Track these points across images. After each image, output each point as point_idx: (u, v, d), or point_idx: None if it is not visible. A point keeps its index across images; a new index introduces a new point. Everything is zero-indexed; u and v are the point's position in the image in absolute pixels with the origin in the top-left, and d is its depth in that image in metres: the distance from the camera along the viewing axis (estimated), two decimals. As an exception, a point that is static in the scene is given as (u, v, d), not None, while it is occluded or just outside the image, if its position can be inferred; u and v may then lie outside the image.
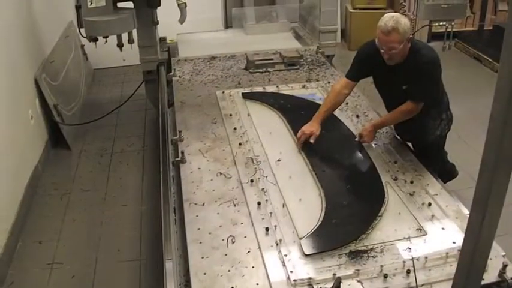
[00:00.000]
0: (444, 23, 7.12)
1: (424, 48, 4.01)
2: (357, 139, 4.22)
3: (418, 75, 3.90)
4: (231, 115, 4.83)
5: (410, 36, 3.86)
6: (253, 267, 2.99)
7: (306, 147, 4.20)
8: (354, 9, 9.83)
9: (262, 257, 3.06)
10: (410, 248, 3.10)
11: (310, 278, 2.88)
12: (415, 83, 3.93)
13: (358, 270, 2.93)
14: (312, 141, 4.17)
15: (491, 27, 9.94)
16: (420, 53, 3.93)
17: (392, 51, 3.85)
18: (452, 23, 7.16)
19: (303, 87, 5.45)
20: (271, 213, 3.41)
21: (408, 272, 2.90)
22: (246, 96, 5.25)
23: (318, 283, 2.86)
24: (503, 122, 1.68)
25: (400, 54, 3.89)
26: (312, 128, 4.22)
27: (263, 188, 3.69)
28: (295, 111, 4.80)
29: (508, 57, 1.61)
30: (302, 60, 6.18)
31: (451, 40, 6.94)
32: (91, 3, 5.53)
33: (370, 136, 4.17)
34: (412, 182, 3.73)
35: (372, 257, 3.04)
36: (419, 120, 4.04)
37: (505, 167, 1.79)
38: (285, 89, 5.39)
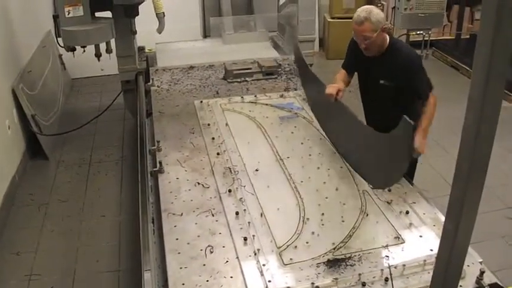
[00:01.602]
0: (421, 32, 7.18)
1: (405, 46, 4.17)
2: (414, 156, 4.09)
3: (411, 74, 3.98)
4: (209, 125, 4.83)
5: (385, 26, 3.97)
6: (231, 277, 2.98)
7: (284, 157, 4.23)
8: (332, 18, 9.91)
9: (240, 266, 3.05)
10: (388, 256, 3.11)
11: (288, 288, 2.89)
12: (412, 82, 4.00)
13: (336, 279, 2.93)
14: (338, 96, 4.14)
15: (468, 36, 10.04)
16: (402, 51, 4.06)
17: (367, 40, 3.97)
18: (430, 32, 7.23)
19: (281, 96, 5.47)
20: (249, 222, 3.41)
21: (386, 280, 2.92)
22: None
23: (296, 292, 2.87)
24: (476, 131, 1.70)
25: (376, 44, 4.02)
26: (338, 85, 4.23)
27: (241, 198, 3.69)
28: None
29: (480, 66, 1.63)
30: (280, 69, 6.19)
31: (429, 49, 7.01)
32: (69, 13, 5.53)
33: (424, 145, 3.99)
34: (389, 191, 3.74)
35: (350, 265, 3.05)
36: (394, 120, 4.06)
37: (478, 176, 1.81)
38: (263, 99, 5.40)
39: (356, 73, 4.48)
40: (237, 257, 3.12)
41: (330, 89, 4.15)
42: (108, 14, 6.01)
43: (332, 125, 4.51)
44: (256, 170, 4.07)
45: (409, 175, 4.19)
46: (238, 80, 6.01)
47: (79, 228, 5.14)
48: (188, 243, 3.26)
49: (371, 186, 3.79)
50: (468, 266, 2.95)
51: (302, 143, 4.47)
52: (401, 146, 3.33)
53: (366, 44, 4.00)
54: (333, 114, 4.39)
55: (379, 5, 8.69)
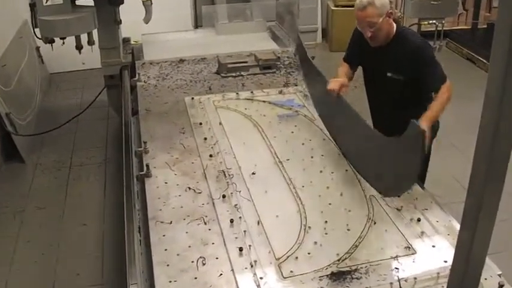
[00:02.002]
0: (434, 21, 7.16)
1: (413, 35, 4.21)
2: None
3: (420, 65, 3.99)
4: (201, 124, 4.83)
5: (391, 11, 3.98)
6: (225, 291, 2.99)
7: (284, 159, 4.22)
8: (336, 6, 9.90)
9: (235, 280, 3.04)
10: (398, 268, 3.10)
11: (288, 303, 2.88)
12: (422, 74, 4.01)
13: (341, 293, 2.94)
14: (342, 92, 4.16)
15: (485, 26, 10.05)
16: (411, 40, 4.09)
17: (373, 28, 3.99)
18: (443, 21, 7.21)
19: (280, 92, 5.46)
20: (245, 231, 3.40)
21: (396, 294, 2.92)
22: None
23: (296, 308, 2.87)
24: (494, 129, 1.70)
25: (383, 31, 4.05)
26: (341, 80, 4.25)
27: (236, 204, 3.68)
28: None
29: (498, 58, 1.62)
30: (279, 63, 6.18)
31: (442, 40, 6.98)
32: (47, 1, 5.51)
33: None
34: (399, 196, 3.73)
35: (356, 278, 3.04)
36: (404, 117, 4.05)
37: (497, 179, 1.80)
38: (261, 95, 5.40)
39: (360, 66, 4.48)
40: (232, 270, 3.11)
41: (332, 84, 4.15)
42: (90, 1, 6.00)
43: (336, 124, 4.50)
44: (253, 174, 4.06)
45: (421, 179, 4.18)
46: (233, 74, 6.00)
47: (58, 238, 5.13)
48: (178, 255, 3.25)
49: (381, 195, 3.77)
50: (486, 279, 2.94)
51: (303, 144, 4.47)
52: (409, 153, 3.32)
53: (371, 31, 4.01)
54: (336, 113, 4.39)
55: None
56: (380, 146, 3.79)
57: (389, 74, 4.13)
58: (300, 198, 3.75)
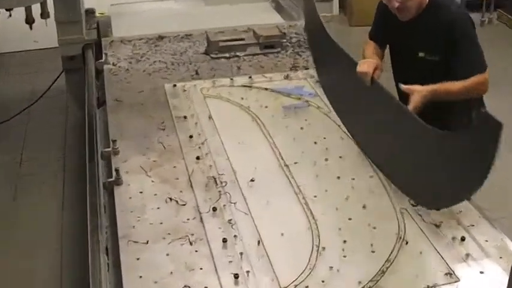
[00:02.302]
0: (483, -11, 7.18)
1: (450, 3, 4.22)
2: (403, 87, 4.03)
3: (454, 42, 4.00)
4: (185, 117, 4.83)
5: None
6: (217, 330, 2.99)
7: (290, 162, 4.22)
8: (358, -31, 9.91)
9: (230, 316, 3.05)
10: (436, 301, 3.11)
11: None
12: (455, 55, 4.02)
13: (364, 332, 2.94)
14: (376, 76, 4.08)
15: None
16: (446, 10, 4.09)
17: None
18: (494, -12, 7.23)
19: (286, 77, 5.47)
20: (241, 254, 3.39)
21: (434, 333, 2.92)
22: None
23: None
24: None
25: (414, 1, 4.04)
26: (374, 60, 4.20)
27: (230, 219, 3.67)
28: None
29: None
30: (285, 40, 6.21)
31: (492, 11, 7.00)
32: (-14, -37, 5.52)
33: (419, 100, 3.90)
34: (438, 209, 3.73)
35: (384, 313, 3.06)
36: (438, 118, 4.02)
37: None
38: (261, 81, 5.41)
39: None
40: (226, 303, 3.12)
41: (364, 66, 4.08)
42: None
43: (361, 118, 4.47)
44: (252, 181, 4.05)
45: None
46: (226, 55, 6.02)
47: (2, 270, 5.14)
48: (156, 283, 3.23)
49: (424, 206, 3.75)
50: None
51: (315, 143, 4.47)
52: (479, 153, 3.28)
53: (399, 2, 4.01)
54: (365, 103, 4.36)
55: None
56: (432, 144, 3.75)
57: (420, 54, 4.12)
58: (311, 212, 3.74)
